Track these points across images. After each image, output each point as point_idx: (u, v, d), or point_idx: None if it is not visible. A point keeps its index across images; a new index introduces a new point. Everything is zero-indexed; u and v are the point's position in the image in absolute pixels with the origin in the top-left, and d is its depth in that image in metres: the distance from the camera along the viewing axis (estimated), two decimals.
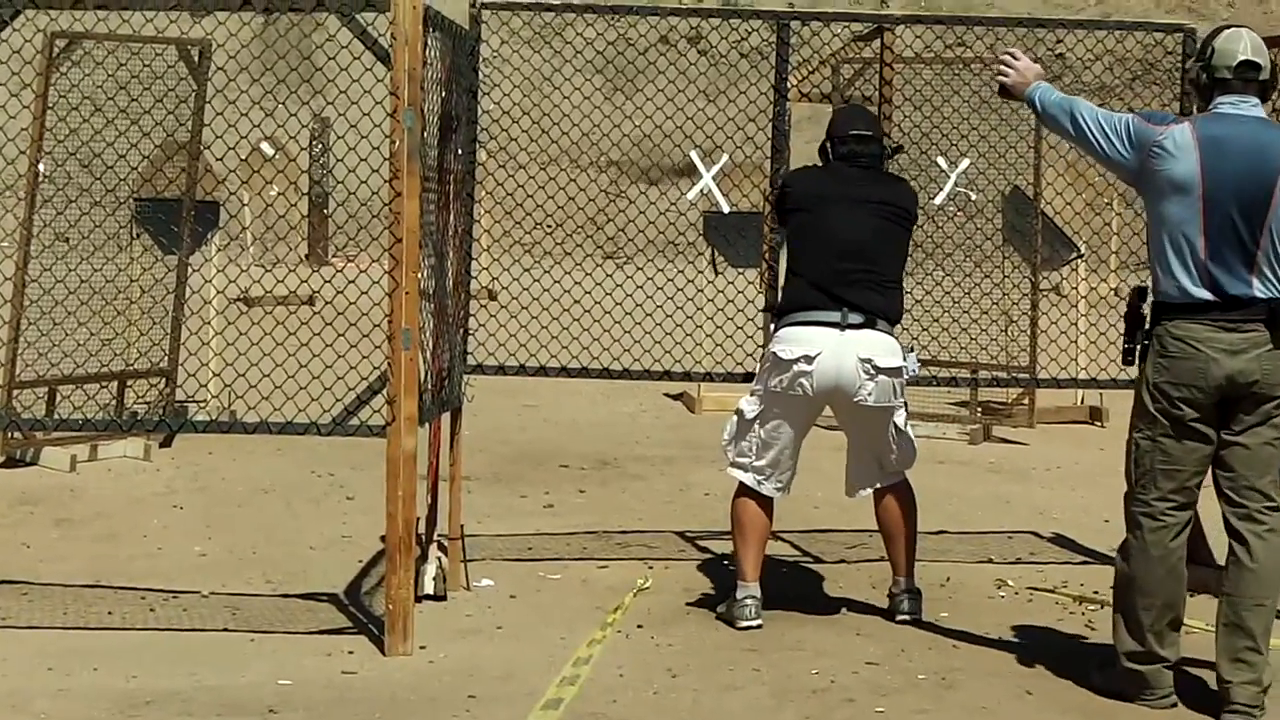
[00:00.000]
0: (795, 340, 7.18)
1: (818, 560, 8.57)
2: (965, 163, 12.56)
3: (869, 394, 7.18)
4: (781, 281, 7.52)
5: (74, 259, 10.84)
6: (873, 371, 7.16)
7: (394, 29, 6.80)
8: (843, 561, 8.50)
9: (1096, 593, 7.88)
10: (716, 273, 13.32)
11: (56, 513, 9.38)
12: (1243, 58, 6.17)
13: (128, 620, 7.27)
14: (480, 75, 8.10)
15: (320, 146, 20.98)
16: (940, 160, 12.48)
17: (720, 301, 8.81)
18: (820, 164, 7.58)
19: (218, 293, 12.04)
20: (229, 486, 10.18)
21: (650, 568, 8.30)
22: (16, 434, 10.50)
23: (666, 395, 14.06)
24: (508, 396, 12.75)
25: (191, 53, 11.09)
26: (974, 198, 12.74)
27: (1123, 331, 6.37)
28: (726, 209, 14.00)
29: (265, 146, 14.87)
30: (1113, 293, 15.39)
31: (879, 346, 7.19)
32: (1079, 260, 13.63)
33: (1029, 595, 7.94)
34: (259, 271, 10.72)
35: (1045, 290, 13.60)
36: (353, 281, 7.69)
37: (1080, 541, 9.06)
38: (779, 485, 7.36)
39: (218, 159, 8.29)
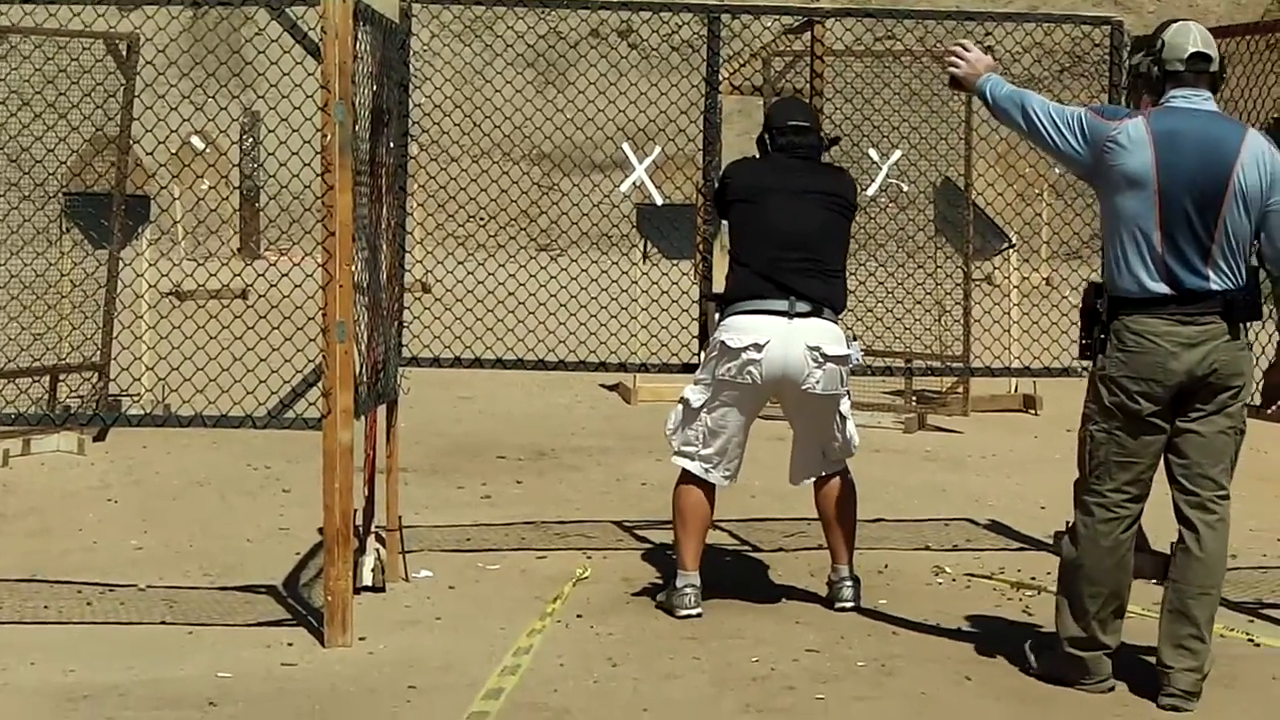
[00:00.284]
0: (743, 329, 7.19)
1: (756, 549, 8.59)
2: (897, 154, 12.64)
3: (817, 382, 7.20)
4: (725, 272, 7.51)
5: (3, 254, 10.76)
6: (821, 360, 7.18)
7: (324, 23, 6.77)
8: (781, 550, 8.53)
9: (1033, 579, 7.94)
10: (650, 264, 13.37)
11: None
12: (1193, 50, 6.17)
13: (64, 614, 7.22)
14: (411, 69, 8.08)
15: (251, 140, 20.90)
16: (872, 152, 12.55)
17: (655, 293, 8.83)
18: (758, 155, 7.59)
19: (150, 286, 11.97)
20: (164, 480, 10.13)
21: (589, 557, 8.31)
22: None
23: (602, 386, 14.07)
24: (443, 389, 12.74)
25: (119, 47, 11.02)
26: (905, 189, 12.80)
27: (1079, 327, 6.37)
28: (659, 201, 14.08)
29: (195, 140, 14.79)
30: (1044, 282, 15.50)
31: (826, 335, 7.21)
32: (1010, 250, 13.70)
33: (966, 582, 7.99)
34: (191, 265, 10.67)
35: (977, 280, 13.67)
36: (286, 275, 7.66)
37: (1016, 528, 9.12)
38: (726, 474, 7.37)
39: (148, 153, 8.25)
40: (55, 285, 11.07)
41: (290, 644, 6.79)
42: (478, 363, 8.28)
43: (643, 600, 7.54)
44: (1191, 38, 6.20)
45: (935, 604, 7.55)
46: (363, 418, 7.36)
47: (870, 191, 12.47)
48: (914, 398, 13.00)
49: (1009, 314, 13.09)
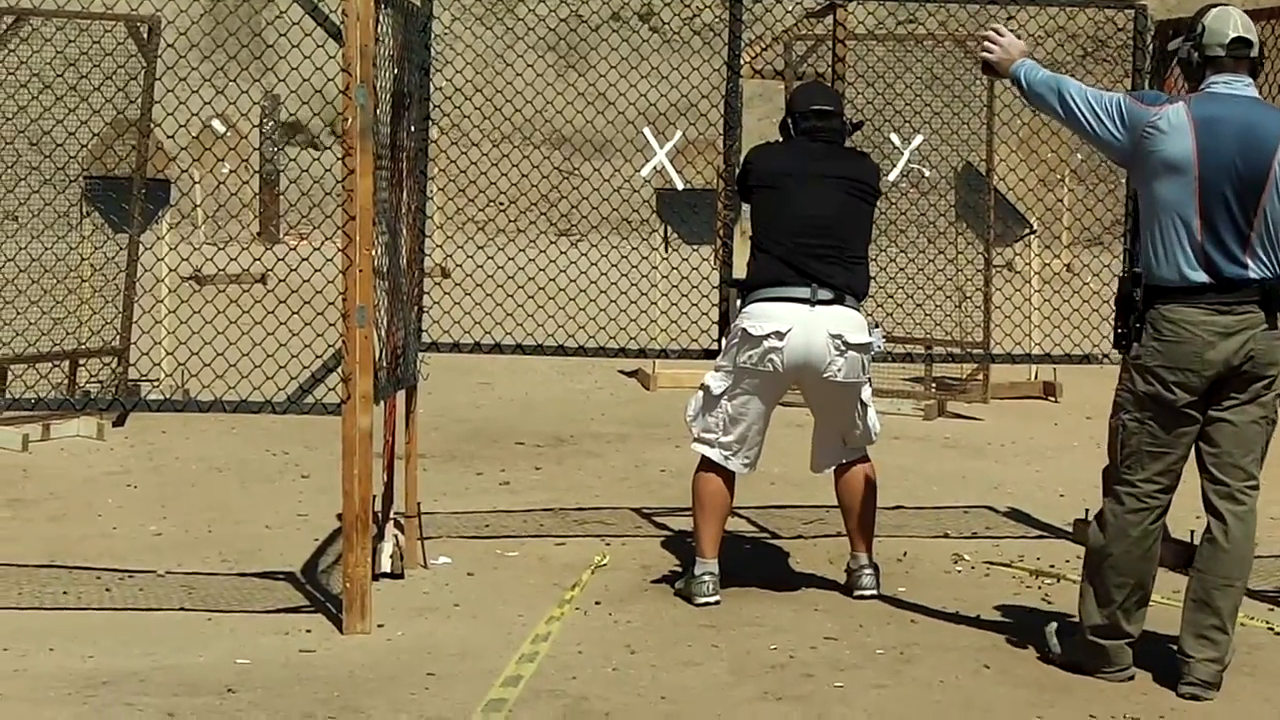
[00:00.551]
0: (765, 316, 7.16)
1: (775, 536, 8.57)
2: (918, 139, 12.60)
3: (839, 370, 7.18)
4: (746, 258, 7.48)
5: (24, 237, 10.77)
6: (843, 347, 7.15)
7: (346, 5, 6.76)
8: (800, 537, 8.51)
9: (1053, 566, 7.92)
10: (671, 249, 13.35)
11: (9, 493, 9.33)
12: (1234, 35, 6.10)
13: (83, 600, 7.23)
14: (432, 52, 8.07)
15: (272, 123, 20.92)
16: (893, 137, 12.51)
17: (675, 278, 8.81)
18: (781, 140, 7.56)
19: (170, 271, 11.98)
20: (183, 465, 10.14)
21: (607, 544, 8.29)
22: None
23: (621, 372, 14.06)
24: (462, 374, 12.74)
25: (140, 29, 11.02)
26: (927, 174, 12.76)
27: (1115, 315, 6.31)
28: (680, 185, 14.06)
29: (216, 124, 14.80)
30: (1066, 268, 15.47)
31: (848, 322, 7.18)
32: (1032, 236, 13.67)
33: (986, 569, 7.97)
34: (211, 249, 10.66)
35: (998, 266, 13.64)
36: (306, 259, 7.65)
37: (1036, 515, 9.10)
38: (746, 461, 7.34)
39: (168, 136, 8.25)
40: (76, 269, 11.08)
41: (309, 631, 6.79)
42: (497, 348, 8.27)
43: (661, 588, 7.53)
44: (1232, 23, 6.13)
45: (954, 592, 7.53)
46: (382, 403, 7.35)
47: (892, 176, 12.43)
48: (934, 384, 12.97)
49: (1030, 300, 13.07)
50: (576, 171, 11.79)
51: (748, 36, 8.60)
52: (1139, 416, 6.16)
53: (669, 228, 13.98)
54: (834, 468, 7.48)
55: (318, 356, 7.23)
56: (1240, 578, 6.17)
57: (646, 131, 13.45)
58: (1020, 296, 13.04)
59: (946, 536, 8.62)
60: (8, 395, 10.23)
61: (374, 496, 7.05)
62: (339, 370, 6.86)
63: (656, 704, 6.00)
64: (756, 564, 7.96)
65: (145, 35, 11.01)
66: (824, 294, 7.16)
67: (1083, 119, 6.22)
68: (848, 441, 7.43)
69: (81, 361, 11.11)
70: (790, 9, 9.12)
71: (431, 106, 8.14)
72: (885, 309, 12.18)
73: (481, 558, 8.03)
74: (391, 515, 7.64)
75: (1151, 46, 8.21)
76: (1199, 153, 6.00)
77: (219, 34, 8.80)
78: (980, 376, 12.96)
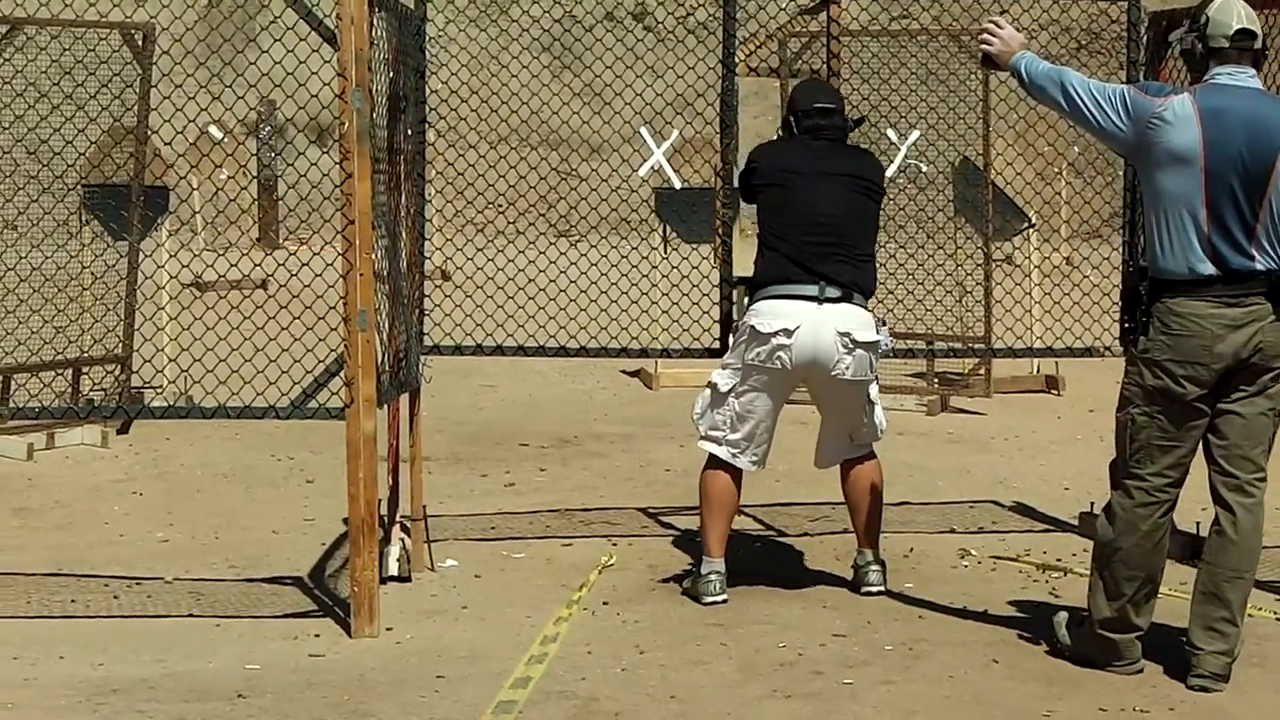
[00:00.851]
0: (773, 313, 7.16)
1: (781, 534, 8.58)
2: (915, 134, 12.60)
3: (847, 368, 7.17)
4: (745, 255, 7.48)
5: (24, 246, 10.77)
6: (851, 345, 7.15)
7: (340, 9, 6.76)
8: (806, 534, 8.51)
9: (1059, 560, 7.92)
10: (670, 248, 13.36)
11: (15, 502, 9.33)
12: (1239, 26, 6.09)
13: (91, 608, 7.23)
14: (427, 55, 8.07)
15: (268, 129, 20.91)
16: (890, 132, 12.51)
17: (675, 277, 8.82)
18: (783, 138, 7.55)
19: (170, 278, 11.97)
20: (188, 472, 10.14)
21: (614, 544, 8.30)
22: None
23: (624, 372, 14.05)
24: (465, 376, 12.74)
25: (135, 37, 11.02)
26: (924, 169, 12.76)
27: (1120, 309, 6.30)
28: (678, 184, 14.06)
29: (213, 130, 14.80)
30: (1065, 261, 15.47)
31: (856, 320, 7.18)
32: (1030, 230, 13.67)
33: (992, 564, 7.97)
34: (211, 256, 10.67)
35: (998, 260, 13.64)
36: (306, 264, 7.66)
37: (1041, 509, 9.10)
38: (754, 459, 7.34)
39: (166, 143, 8.25)
40: (76, 278, 11.08)
41: (317, 635, 6.80)
42: (499, 350, 8.27)
43: (669, 587, 7.53)
44: (1236, 14, 6.11)
45: (961, 587, 7.53)
46: (385, 407, 7.35)
47: (889, 172, 12.42)
48: (936, 380, 12.98)
49: (1030, 294, 13.07)
50: (574, 172, 11.79)
51: (742, 34, 8.61)
52: (1148, 411, 6.15)
53: (668, 227, 13.98)
54: (841, 465, 7.48)
55: (320, 361, 7.23)
56: (1249, 569, 6.17)
57: (643, 131, 13.46)
58: (1020, 290, 13.05)
59: (952, 532, 8.62)
60: (12, 405, 10.22)
61: (380, 500, 7.05)
62: (342, 375, 6.86)
63: (666, 704, 6.00)
64: (763, 562, 7.96)
65: (140, 42, 11.01)
66: (832, 291, 7.15)
67: (1086, 111, 6.19)
68: (854, 439, 7.43)
69: (84, 370, 11.11)
70: (784, 6, 9.13)
71: (428, 109, 8.14)
72: (886, 305, 12.17)
73: (488, 559, 8.03)
74: (398, 518, 7.64)
75: (1145, 38, 8.21)
76: (1206, 144, 5.99)
77: (214, 40, 8.80)
78: (982, 371, 12.97)
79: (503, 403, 12.75)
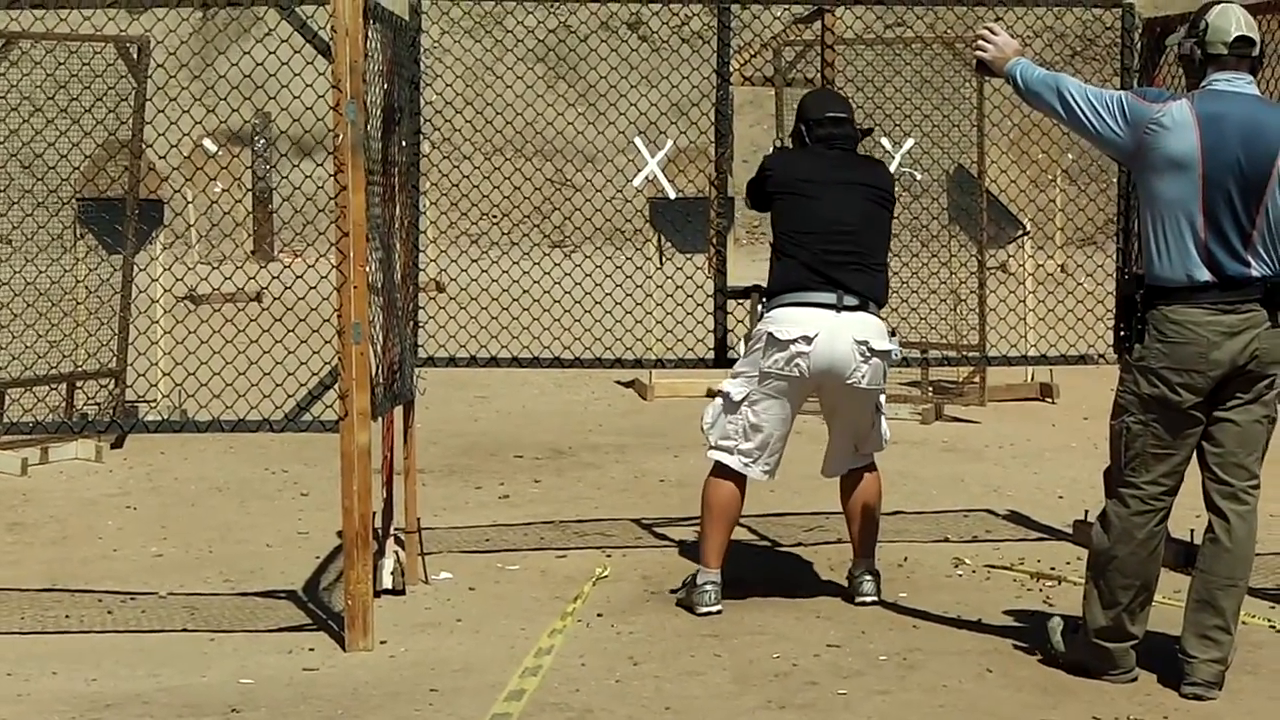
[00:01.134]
0: (792, 321, 7.15)
1: (775, 544, 8.57)
2: (909, 143, 12.59)
3: (863, 376, 7.18)
4: (738, 265, 7.48)
5: (18, 261, 10.77)
6: (868, 354, 7.15)
7: (334, 21, 6.77)
8: (800, 545, 8.51)
9: (1054, 568, 7.92)
10: (665, 259, 13.34)
11: (9, 517, 9.31)
12: (1237, 33, 6.09)
13: (85, 623, 7.22)
14: (422, 66, 8.08)
15: (263, 142, 20.92)
16: (884, 141, 12.50)
17: (669, 287, 8.81)
18: (794, 147, 7.55)
19: (165, 291, 11.96)
20: (182, 486, 10.13)
21: (608, 556, 8.29)
22: None
23: (618, 383, 14.05)
24: (459, 388, 12.74)
25: (130, 50, 11.02)
26: (919, 177, 12.76)
27: (1115, 317, 6.29)
28: (672, 194, 14.04)
29: (207, 143, 14.79)
30: (1060, 269, 15.47)
31: (872, 329, 7.19)
32: (1025, 237, 13.66)
33: (986, 573, 7.97)
34: (205, 269, 10.67)
35: (992, 268, 13.63)
36: (300, 277, 7.66)
37: (1035, 518, 9.09)
38: (766, 469, 7.32)
39: (160, 157, 8.26)
40: (71, 292, 11.07)
41: (311, 649, 6.80)
42: (493, 361, 8.27)
43: (663, 598, 7.53)
44: (1236, 21, 6.11)
45: (956, 596, 7.53)
46: (380, 419, 7.35)
47: None
48: (930, 388, 12.97)
49: (1024, 302, 13.06)
50: (569, 183, 11.79)
51: (736, 43, 8.60)
52: (1143, 419, 6.15)
53: (662, 237, 13.96)
54: (841, 475, 7.49)
55: (314, 374, 7.24)
56: (1243, 577, 6.17)
57: (638, 141, 13.45)
58: (1015, 298, 13.04)
59: (947, 541, 8.62)
60: (6, 419, 10.22)
61: (374, 513, 7.05)
62: (336, 387, 6.86)
63: (661, 715, 6.00)
64: (758, 572, 7.95)
65: (135, 56, 11.01)
66: (849, 300, 7.16)
67: (1083, 117, 6.19)
68: (859, 448, 7.44)
69: (78, 384, 11.10)
70: (779, 15, 9.12)
71: (422, 121, 8.15)
72: (881, 314, 12.16)
73: (482, 572, 8.03)
74: (392, 531, 7.64)
75: (1139, 44, 8.21)
76: (1204, 150, 5.99)
77: (208, 53, 8.81)
78: (977, 379, 12.96)
79: (497, 414, 12.74)
